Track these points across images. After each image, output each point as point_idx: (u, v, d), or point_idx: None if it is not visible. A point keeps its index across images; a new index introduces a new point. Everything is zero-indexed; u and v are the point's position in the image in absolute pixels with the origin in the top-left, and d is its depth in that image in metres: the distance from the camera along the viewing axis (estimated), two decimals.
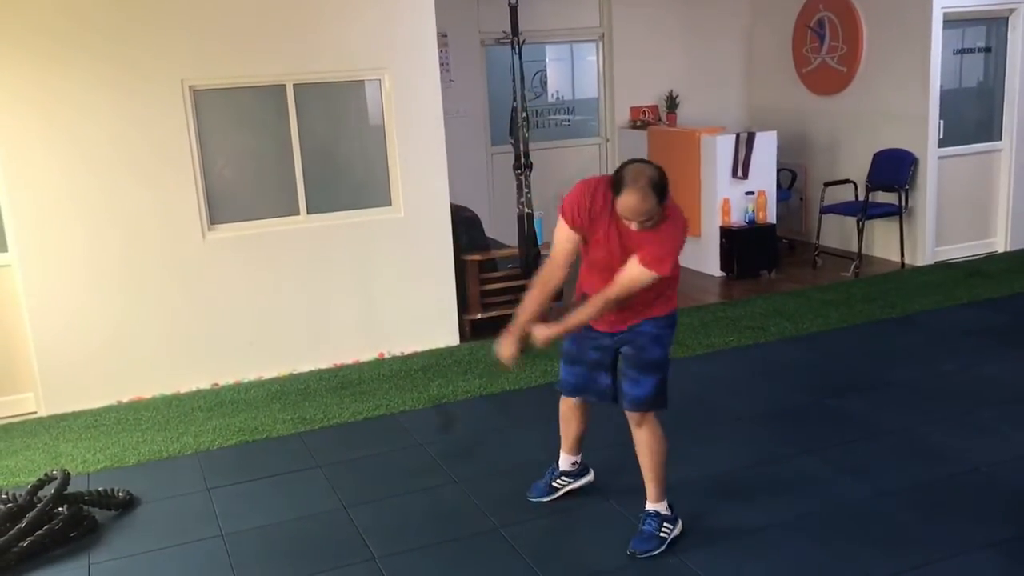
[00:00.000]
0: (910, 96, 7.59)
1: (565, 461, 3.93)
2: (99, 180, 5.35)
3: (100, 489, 4.10)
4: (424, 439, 4.72)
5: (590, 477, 3.97)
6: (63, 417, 5.34)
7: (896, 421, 4.60)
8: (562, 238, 3.38)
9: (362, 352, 6.07)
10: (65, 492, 3.90)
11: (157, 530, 3.94)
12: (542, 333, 3.38)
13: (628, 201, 3.12)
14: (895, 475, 4.02)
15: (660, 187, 3.13)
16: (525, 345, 3.43)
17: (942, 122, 7.55)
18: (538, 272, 3.51)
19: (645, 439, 3.51)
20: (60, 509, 3.85)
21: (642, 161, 3.26)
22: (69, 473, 4.00)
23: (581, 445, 3.90)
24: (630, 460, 3.62)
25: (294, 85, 5.73)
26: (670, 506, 3.57)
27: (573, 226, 3.34)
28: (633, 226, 3.20)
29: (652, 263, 3.20)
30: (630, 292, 3.28)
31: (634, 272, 3.23)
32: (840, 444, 4.37)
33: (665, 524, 3.53)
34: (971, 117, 8.04)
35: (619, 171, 3.21)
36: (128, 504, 4.13)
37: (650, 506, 3.55)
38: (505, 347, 3.43)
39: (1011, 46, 7.83)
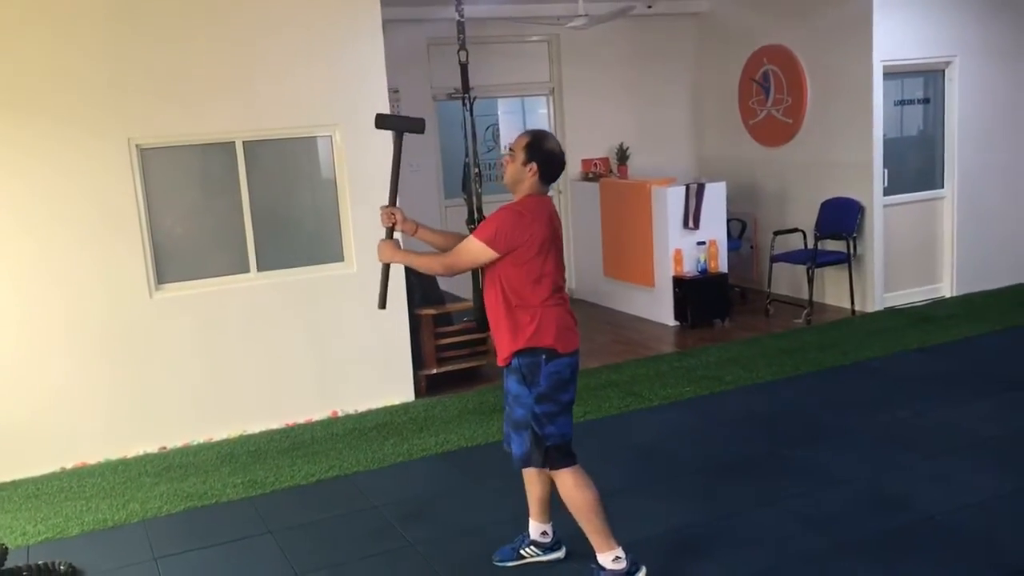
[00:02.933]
0: (854, 146, 7.76)
1: (535, 529, 3.83)
2: (40, 240, 5.23)
3: (40, 563, 3.94)
4: (380, 501, 4.61)
5: (560, 554, 3.84)
6: (2, 487, 5.14)
7: (852, 470, 4.61)
8: None
9: (315, 411, 5.96)
10: (2, 567, 3.74)
11: None
12: (386, 248, 3.65)
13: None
14: (853, 526, 4.01)
15: (536, 135, 3.48)
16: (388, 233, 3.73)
17: (886, 171, 7.73)
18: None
19: (562, 494, 3.54)
20: None
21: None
22: (7, 547, 3.84)
23: (549, 513, 3.78)
24: None
25: (243, 142, 5.69)
26: (626, 559, 3.47)
27: None
28: None
29: (475, 231, 3.45)
30: (460, 258, 3.47)
31: (464, 242, 3.50)
32: (798, 495, 4.36)
33: None
34: (914, 166, 8.25)
35: None
36: None
37: (598, 558, 3.50)
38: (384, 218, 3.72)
39: (948, 97, 8.07)
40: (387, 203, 3.75)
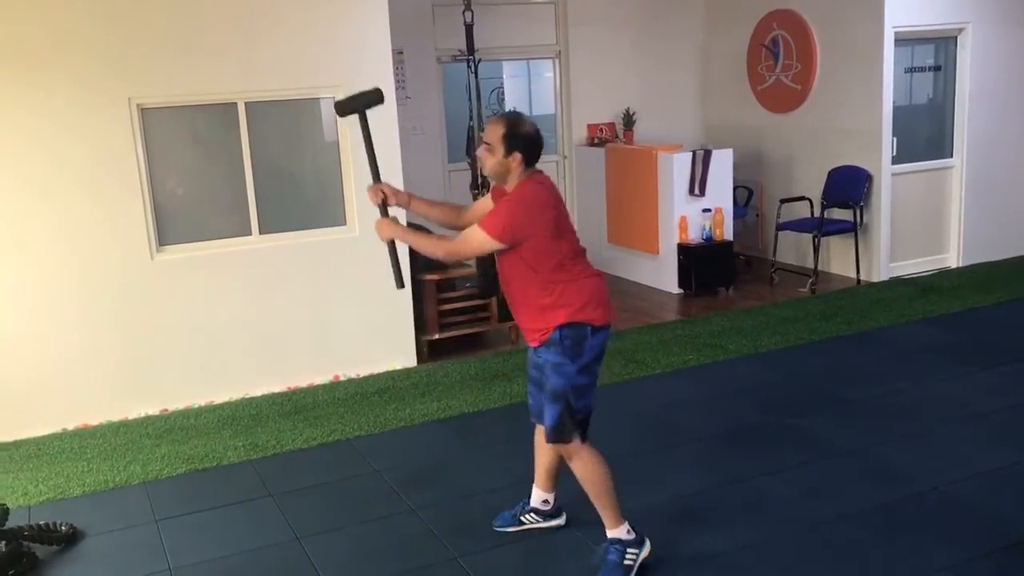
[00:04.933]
0: (863, 113, 7.66)
1: (536, 497, 3.81)
2: (42, 200, 5.19)
3: (41, 523, 3.94)
4: (381, 465, 4.61)
5: (560, 520, 3.83)
6: (3, 447, 5.15)
7: (855, 440, 4.60)
8: None
9: (316, 375, 5.95)
10: (3, 527, 3.74)
11: (101, 565, 3.79)
12: (385, 226, 3.48)
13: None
14: (855, 496, 4.00)
15: (510, 122, 3.37)
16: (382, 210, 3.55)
17: (895, 139, 7.64)
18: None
19: (575, 471, 3.47)
20: None
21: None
22: (7, 507, 3.84)
23: (554, 482, 3.77)
24: None
25: (246, 103, 5.62)
26: (632, 529, 3.48)
27: None
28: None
29: (482, 222, 3.30)
30: (465, 247, 3.39)
31: (469, 231, 3.35)
32: (800, 465, 4.35)
33: (629, 550, 3.44)
34: (923, 134, 8.15)
35: None
36: (71, 538, 3.96)
37: (609, 533, 3.48)
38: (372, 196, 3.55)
39: (960, 64, 7.96)
40: (372, 182, 3.59)
